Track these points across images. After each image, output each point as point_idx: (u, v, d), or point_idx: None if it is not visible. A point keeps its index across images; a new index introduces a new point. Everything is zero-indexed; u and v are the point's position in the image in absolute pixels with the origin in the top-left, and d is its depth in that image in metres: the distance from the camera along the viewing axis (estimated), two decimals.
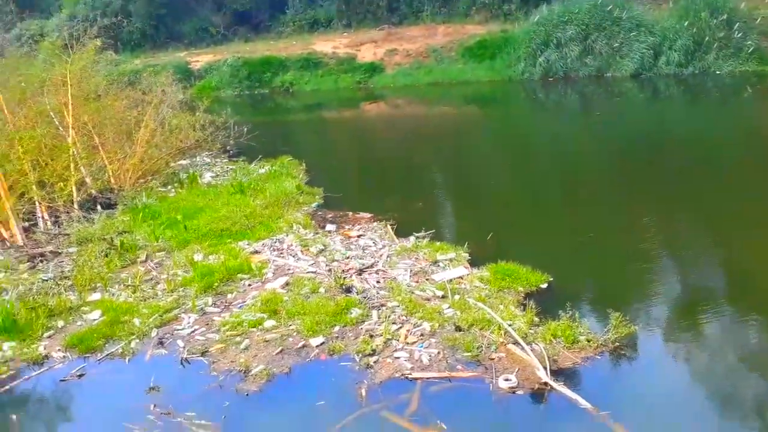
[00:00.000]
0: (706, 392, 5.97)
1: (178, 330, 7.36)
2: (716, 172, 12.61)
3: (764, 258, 8.55)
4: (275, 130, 20.16)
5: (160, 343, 7.11)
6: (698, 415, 5.59)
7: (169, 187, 13.35)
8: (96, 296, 8.24)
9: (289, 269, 8.62)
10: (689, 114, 19.47)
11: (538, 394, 5.79)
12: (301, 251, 9.18)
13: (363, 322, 7.10)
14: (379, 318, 7.16)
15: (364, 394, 5.95)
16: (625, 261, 8.65)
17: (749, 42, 22.56)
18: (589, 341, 6.42)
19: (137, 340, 7.16)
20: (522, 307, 7.21)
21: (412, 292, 7.68)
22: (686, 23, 22.86)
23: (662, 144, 15.31)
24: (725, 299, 7.50)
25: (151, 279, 8.72)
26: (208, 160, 15.87)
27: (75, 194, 11.37)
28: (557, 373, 5.99)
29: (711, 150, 14.61)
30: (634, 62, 23.11)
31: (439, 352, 6.45)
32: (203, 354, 6.83)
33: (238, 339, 7.00)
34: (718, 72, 22.40)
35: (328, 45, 29.15)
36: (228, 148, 16.29)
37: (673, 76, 22.61)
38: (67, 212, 11.01)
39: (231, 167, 14.96)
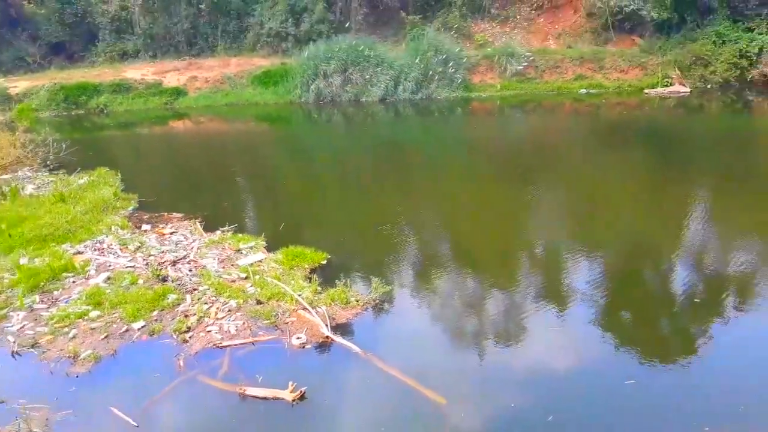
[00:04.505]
0: (442, 329, 6.50)
1: (7, 327, 6.45)
2: (444, 168, 13.73)
3: (481, 231, 9.48)
4: (92, 145, 18.04)
5: None
6: (437, 346, 6.09)
7: None
8: None
9: (110, 265, 7.86)
10: (422, 128, 20.87)
11: (323, 346, 5.92)
12: (120, 249, 8.41)
13: (179, 305, 6.72)
14: (192, 300, 6.81)
15: (182, 364, 5.65)
16: (385, 239, 8.99)
17: (458, 75, 24.57)
18: (357, 301, 6.69)
19: None
20: (308, 280, 7.32)
21: (220, 276, 7.40)
22: (417, 60, 24.25)
23: (409, 150, 16.37)
24: (454, 263, 8.19)
25: None
26: (30, 174, 13.80)
27: None
28: (336, 328, 6.18)
29: (439, 153, 15.90)
30: (380, 90, 24.03)
31: (244, 323, 6.31)
32: (33, 346, 6.07)
33: (65, 329, 6.29)
34: (438, 97, 24.15)
35: (137, 72, 26.72)
36: (48, 162, 14.30)
37: (408, 101, 23.95)
38: None
39: (52, 179, 13.16)
